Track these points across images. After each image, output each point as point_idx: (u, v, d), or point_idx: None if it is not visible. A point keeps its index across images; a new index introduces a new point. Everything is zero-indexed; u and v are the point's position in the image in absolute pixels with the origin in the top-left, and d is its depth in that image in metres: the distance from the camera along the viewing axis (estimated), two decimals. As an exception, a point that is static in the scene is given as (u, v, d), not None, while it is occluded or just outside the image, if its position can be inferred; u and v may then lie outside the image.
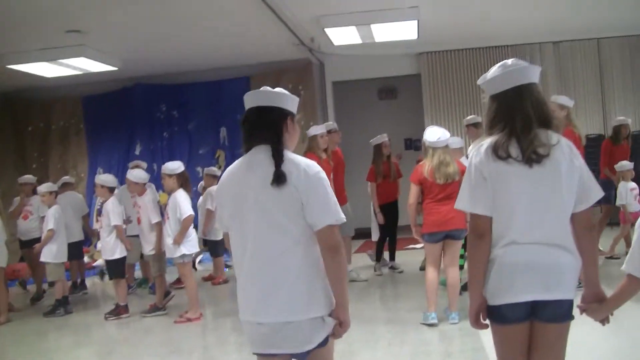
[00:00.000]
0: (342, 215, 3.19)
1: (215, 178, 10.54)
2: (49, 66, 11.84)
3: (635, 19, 12.60)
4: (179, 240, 8.09)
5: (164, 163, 14.37)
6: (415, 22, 10.87)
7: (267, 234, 3.12)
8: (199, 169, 14.60)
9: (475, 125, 9.67)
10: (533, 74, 3.19)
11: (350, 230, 9.65)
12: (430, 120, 14.28)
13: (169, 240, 8.17)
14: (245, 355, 5.80)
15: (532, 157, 3.03)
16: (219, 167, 14.51)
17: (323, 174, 3.20)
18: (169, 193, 8.41)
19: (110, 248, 8.73)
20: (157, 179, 14.23)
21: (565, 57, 14.18)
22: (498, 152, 3.06)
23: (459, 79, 14.37)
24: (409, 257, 11.20)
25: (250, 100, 3.33)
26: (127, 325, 8.40)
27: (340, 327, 3.17)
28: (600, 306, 3.19)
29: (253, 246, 3.14)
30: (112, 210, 8.72)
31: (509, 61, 3.23)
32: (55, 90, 14.67)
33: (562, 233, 3.08)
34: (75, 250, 10.37)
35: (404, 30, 11.44)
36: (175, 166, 8.42)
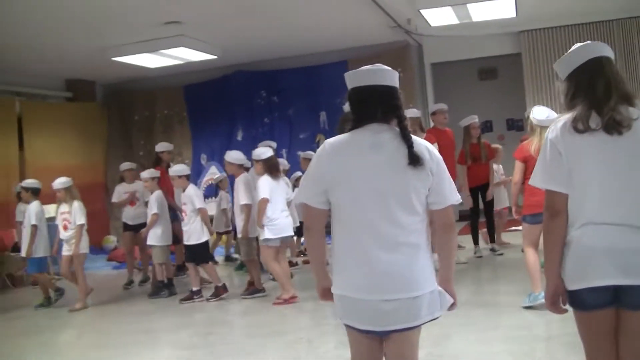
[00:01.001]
0: (459, 196, 3.29)
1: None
2: (150, 57, 12.17)
3: None
4: (258, 223, 8.21)
5: (266, 149, 14.87)
6: (513, 1, 10.64)
7: (396, 213, 3.08)
8: (300, 153, 14.77)
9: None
10: (609, 50, 3.12)
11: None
12: (532, 100, 13.93)
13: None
14: (340, 336, 5.83)
15: (612, 124, 2.92)
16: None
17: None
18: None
19: (197, 232, 8.92)
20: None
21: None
22: (577, 126, 2.96)
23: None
24: (510, 239, 11.07)
25: (363, 78, 3.24)
26: (227, 307, 8.59)
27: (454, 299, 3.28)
28: None
29: (379, 224, 3.08)
30: (195, 194, 8.97)
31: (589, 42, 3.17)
32: (158, 80, 15.14)
33: None
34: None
35: (502, 9, 11.23)
36: (260, 152, 8.55)
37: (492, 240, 10.45)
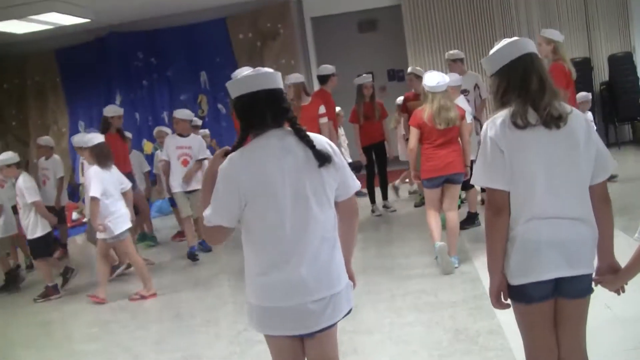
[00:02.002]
0: (359, 182, 3.34)
1: (195, 127, 10.23)
2: (19, 23, 11.51)
3: None
4: (94, 225, 7.56)
5: (145, 112, 14.38)
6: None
7: (317, 212, 3.06)
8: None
9: (460, 60, 9.65)
10: (534, 46, 3.14)
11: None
12: (413, 52, 14.17)
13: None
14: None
15: (550, 119, 2.94)
16: (202, 112, 14.37)
17: None
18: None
19: (31, 226, 8.19)
20: (140, 130, 14.13)
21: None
22: (517, 122, 2.96)
23: (441, 8, 14.02)
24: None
25: (246, 85, 3.11)
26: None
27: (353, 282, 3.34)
28: (615, 277, 3.13)
29: (302, 226, 3.04)
30: (25, 187, 8.15)
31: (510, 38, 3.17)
32: (26, 45, 14.27)
33: (581, 205, 3.01)
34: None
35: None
36: (89, 137, 7.79)
37: (385, 197, 10.49)
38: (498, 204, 3.03)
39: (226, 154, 3.13)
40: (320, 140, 3.15)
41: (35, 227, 8.14)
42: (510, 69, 3.06)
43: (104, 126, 9.37)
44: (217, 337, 6.14)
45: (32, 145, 14.04)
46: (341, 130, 11.65)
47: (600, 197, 3.07)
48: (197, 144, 9.25)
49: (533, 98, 2.98)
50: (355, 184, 3.26)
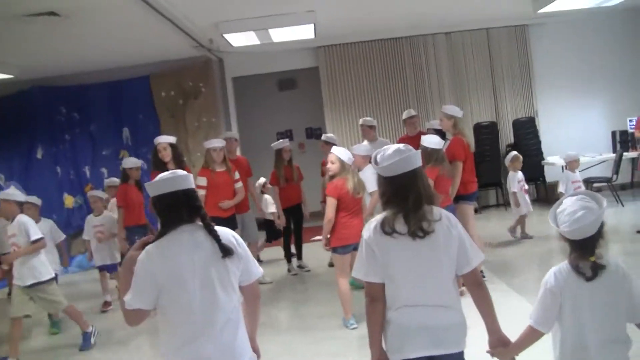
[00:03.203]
0: (261, 269, 3.83)
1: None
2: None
3: (519, 10, 13.23)
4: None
5: (67, 166, 14.44)
6: (312, 25, 11.14)
7: (222, 298, 3.50)
8: (103, 169, 14.60)
9: (371, 127, 10.26)
10: (419, 159, 3.63)
11: (255, 236, 10.12)
12: (330, 110, 14.79)
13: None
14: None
15: (417, 232, 3.45)
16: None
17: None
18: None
19: None
20: (61, 183, 14.21)
21: (457, 46, 14.75)
22: (385, 228, 3.50)
23: (356, 70, 14.76)
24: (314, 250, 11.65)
25: (163, 186, 3.57)
26: None
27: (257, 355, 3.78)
28: (505, 350, 3.62)
29: (209, 311, 3.46)
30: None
31: (402, 146, 3.63)
32: None
33: (444, 295, 3.53)
34: None
35: (302, 32, 11.71)
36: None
37: (300, 257, 10.93)
38: (373, 294, 3.57)
39: (143, 245, 3.56)
40: (226, 234, 3.63)
41: None
42: (394, 181, 3.56)
43: (123, 178, 9.61)
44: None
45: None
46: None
47: (472, 283, 3.61)
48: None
49: (407, 211, 3.48)
50: (257, 271, 3.75)
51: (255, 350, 3.75)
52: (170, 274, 3.46)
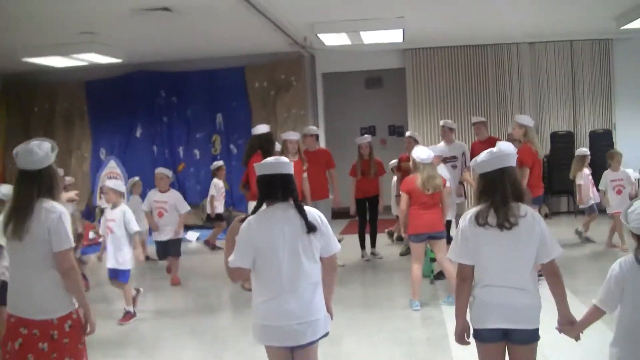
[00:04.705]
0: (339, 245, 4.56)
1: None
2: (60, 59, 12.77)
3: (603, 26, 13.57)
4: None
5: (162, 146, 15.50)
6: (401, 30, 11.86)
7: (305, 264, 4.26)
8: (196, 151, 15.68)
9: (451, 129, 10.97)
10: (512, 159, 4.29)
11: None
12: (413, 110, 15.49)
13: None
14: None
15: (504, 224, 4.08)
16: (215, 151, 15.57)
17: None
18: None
19: None
20: (156, 161, 15.18)
21: (540, 56, 15.22)
22: (478, 220, 4.14)
23: (441, 73, 15.45)
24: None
25: (269, 168, 4.40)
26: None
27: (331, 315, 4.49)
28: (572, 328, 4.25)
29: (293, 273, 4.23)
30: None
31: (495, 149, 4.33)
32: (59, 74, 15.04)
33: (522, 279, 4.14)
34: None
35: (391, 35, 12.41)
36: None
37: (373, 245, 11.68)
38: (464, 274, 4.25)
39: (242, 220, 4.37)
40: (313, 213, 4.36)
41: None
42: (487, 177, 4.22)
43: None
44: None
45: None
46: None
47: (548, 273, 4.22)
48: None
49: (496, 205, 4.12)
50: (336, 247, 4.45)
51: (330, 311, 4.44)
52: (265, 240, 4.23)
